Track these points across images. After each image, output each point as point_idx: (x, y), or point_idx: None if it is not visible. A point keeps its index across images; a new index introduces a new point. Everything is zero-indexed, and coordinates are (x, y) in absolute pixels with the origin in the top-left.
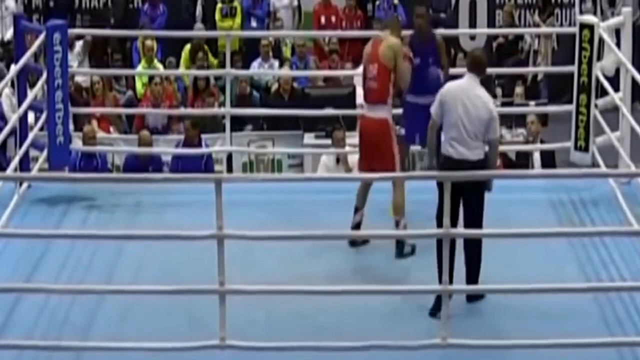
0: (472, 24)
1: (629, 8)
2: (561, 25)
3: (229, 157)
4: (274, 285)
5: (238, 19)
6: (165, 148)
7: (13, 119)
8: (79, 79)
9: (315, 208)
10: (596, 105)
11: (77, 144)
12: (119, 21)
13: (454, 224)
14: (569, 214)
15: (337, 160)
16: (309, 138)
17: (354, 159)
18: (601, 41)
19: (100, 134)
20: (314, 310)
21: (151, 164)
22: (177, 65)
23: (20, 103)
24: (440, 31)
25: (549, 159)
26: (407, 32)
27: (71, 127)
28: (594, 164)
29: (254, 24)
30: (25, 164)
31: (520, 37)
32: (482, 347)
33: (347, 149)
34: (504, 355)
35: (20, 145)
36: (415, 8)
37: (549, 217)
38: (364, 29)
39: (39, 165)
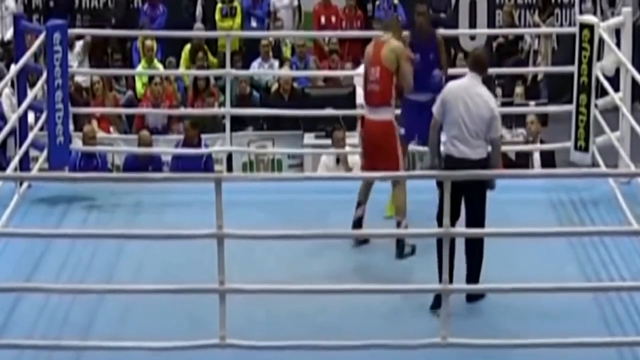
0: (472, 24)
1: (629, 8)
2: (561, 25)
3: (229, 157)
4: (274, 285)
5: (238, 19)
6: (165, 148)
7: (13, 119)
8: (79, 79)
9: (315, 208)
10: (596, 105)
11: (77, 144)
12: (119, 21)
13: (454, 223)
14: (569, 214)
15: (337, 160)
16: (309, 138)
17: (354, 158)
18: (601, 41)
19: (100, 134)
20: (314, 309)
21: (151, 163)
22: (177, 65)
23: (20, 103)
24: (440, 31)
25: (549, 159)
26: (407, 32)
27: (71, 127)
28: (594, 164)
29: (254, 24)
30: (25, 164)
31: (520, 37)
32: (482, 347)
33: (347, 149)
34: (504, 355)
35: (20, 145)
36: (416, 6)
37: (549, 217)
38: (364, 29)
39: (39, 165)
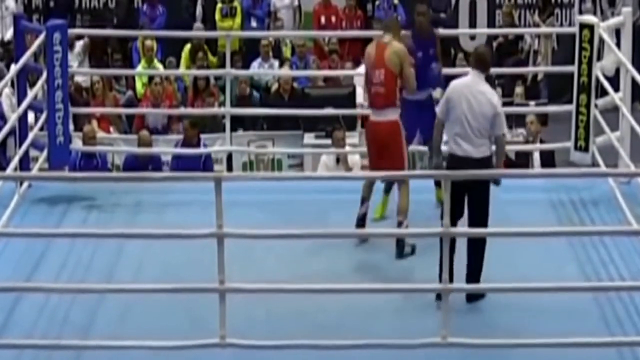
0: (472, 24)
1: (629, 8)
2: (561, 25)
3: (229, 157)
4: (274, 284)
5: (238, 19)
6: (165, 148)
7: (13, 119)
8: (79, 79)
9: (315, 207)
10: (596, 105)
11: (77, 144)
12: (121, 21)
13: (457, 221)
14: (569, 214)
15: (337, 160)
16: (309, 138)
17: (353, 158)
18: (601, 41)
19: (100, 134)
20: (313, 308)
21: (151, 163)
22: (177, 65)
23: (20, 103)
24: (440, 31)
25: (548, 159)
26: (406, 32)
27: (71, 127)
28: (594, 164)
29: (254, 24)
30: (25, 164)
31: (520, 37)
32: (482, 346)
33: (347, 148)
34: (504, 355)
35: (20, 145)
36: (416, 6)
37: (549, 217)
38: (364, 29)
39: (39, 165)
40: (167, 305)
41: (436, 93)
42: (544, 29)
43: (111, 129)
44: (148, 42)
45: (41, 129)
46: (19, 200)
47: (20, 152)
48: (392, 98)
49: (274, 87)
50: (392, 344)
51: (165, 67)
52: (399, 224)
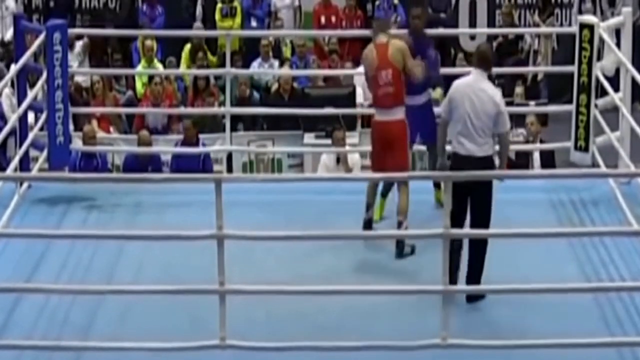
0: (472, 24)
1: (629, 8)
2: (561, 25)
3: (229, 157)
4: (274, 285)
5: (238, 19)
6: (165, 148)
7: (13, 119)
8: (79, 79)
9: (316, 208)
10: (596, 105)
11: (77, 144)
12: (123, 20)
13: (464, 221)
14: (569, 214)
15: (337, 160)
16: (309, 138)
17: (353, 158)
18: (601, 41)
19: (100, 134)
20: (314, 310)
21: (151, 164)
22: (177, 65)
23: (20, 103)
24: (440, 31)
25: (548, 159)
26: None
27: (71, 127)
28: (594, 164)
29: (254, 24)
30: (25, 164)
31: (520, 37)
32: (482, 347)
33: (347, 148)
34: (504, 355)
35: (20, 145)
36: (411, 10)
37: (549, 217)
38: (364, 29)
39: (39, 165)
40: (167, 306)
41: (435, 93)
42: (544, 29)
43: (111, 129)
44: (148, 42)
45: (41, 129)
46: (19, 200)
47: (20, 152)
48: (401, 96)
49: (274, 87)
50: (392, 345)
51: (165, 67)
52: (399, 224)
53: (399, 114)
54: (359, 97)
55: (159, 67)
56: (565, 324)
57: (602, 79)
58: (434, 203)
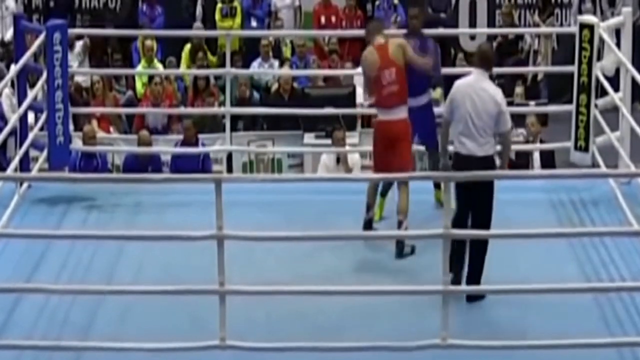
0: (472, 24)
1: (629, 8)
2: (561, 25)
3: (229, 157)
4: (273, 286)
5: (238, 19)
6: (165, 148)
7: (13, 119)
8: (79, 79)
9: (316, 208)
10: (596, 105)
11: (77, 144)
12: (123, 20)
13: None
14: (569, 214)
15: (337, 160)
16: (309, 138)
17: (353, 158)
18: (601, 41)
19: (100, 134)
20: (313, 310)
21: (151, 164)
22: (177, 65)
23: (20, 103)
24: (440, 31)
25: (548, 159)
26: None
27: (71, 127)
28: (594, 164)
29: (254, 24)
30: (25, 164)
31: (520, 37)
32: (482, 348)
33: (347, 149)
34: (504, 356)
35: (20, 145)
36: (408, 10)
37: (549, 217)
38: (364, 29)
39: (39, 165)
40: (167, 306)
41: (435, 93)
42: (544, 29)
43: (111, 129)
44: (148, 42)
45: (41, 129)
46: (19, 200)
47: (20, 152)
48: (405, 95)
49: (274, 87)
50: (392, 345)
51: (165, 67)
52: (400, 224)
53: (402, 113)
54: (359, 97)
55: (159, 67)
56: (565, 324)
57: (602, 79)
58: (434, 203)
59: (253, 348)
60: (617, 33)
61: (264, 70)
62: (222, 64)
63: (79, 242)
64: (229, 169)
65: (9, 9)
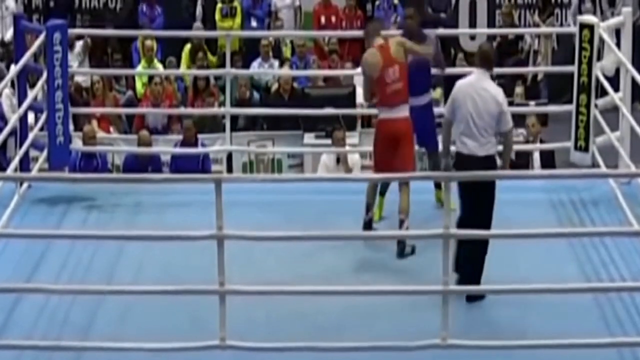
0: (472, 24)
1: (629, 8)
2: (561, 25)
3: (229, 157)
4: (274, 286)
5: (238, 19)
6: (165, 148)
7: (13, 119)
8: (79, 79)
9: (316, 208)
10: (596, 105)
11: (77, 144)
12: (123, 20)
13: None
14: (569, 214)
15: (337, 160)
16: (309, 138)
17: (353, 158)
18: (601, 41)
19: (100, 134)
20: (313, 310)
21: (150, 164)
22: (177, 65)
23: (20, 103)
24: (440, 31)
25: (548, 159)
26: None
27: (71, 127)
28: (594, 164)
29: (254, 24)
30: (25, 164)
31: (520, 37)
32: (482, 348)
33: (347, 149)
34: (504, 356)
35: (20, 145)
36: (405, 10)
37: (549, 217)
38: (364, 29)
39: (39, 165)
40: (167, 306)
41: (435, 93)
42: (544, 29)
43: (111, 129)
44: (148, 42)
45: (41, 129)
46: (19, 200)
47: (20, 152)
48: (407, 93)
49: (274, 87)
50: (392, 345)
51: (165, 67)
52: (401, 223)
53: (405, 111)
54: (359, 97)
55: (159, 67)
56: (565, 324)
57: (602, 79)
58: (434, 203)
59: (253, 348)
60: (617, 33)
61: (264, 70)
62: (222, 64)
63: (79, 242)
64: (229, 169)
65: (9, 9)
